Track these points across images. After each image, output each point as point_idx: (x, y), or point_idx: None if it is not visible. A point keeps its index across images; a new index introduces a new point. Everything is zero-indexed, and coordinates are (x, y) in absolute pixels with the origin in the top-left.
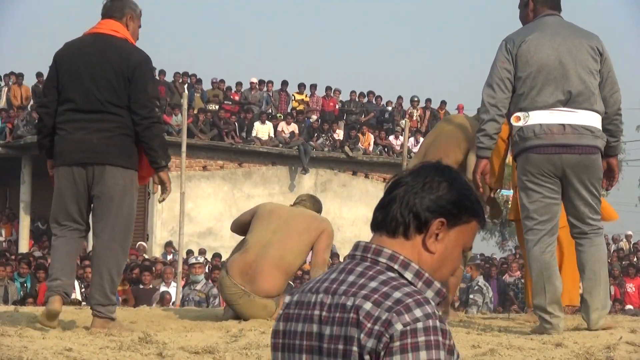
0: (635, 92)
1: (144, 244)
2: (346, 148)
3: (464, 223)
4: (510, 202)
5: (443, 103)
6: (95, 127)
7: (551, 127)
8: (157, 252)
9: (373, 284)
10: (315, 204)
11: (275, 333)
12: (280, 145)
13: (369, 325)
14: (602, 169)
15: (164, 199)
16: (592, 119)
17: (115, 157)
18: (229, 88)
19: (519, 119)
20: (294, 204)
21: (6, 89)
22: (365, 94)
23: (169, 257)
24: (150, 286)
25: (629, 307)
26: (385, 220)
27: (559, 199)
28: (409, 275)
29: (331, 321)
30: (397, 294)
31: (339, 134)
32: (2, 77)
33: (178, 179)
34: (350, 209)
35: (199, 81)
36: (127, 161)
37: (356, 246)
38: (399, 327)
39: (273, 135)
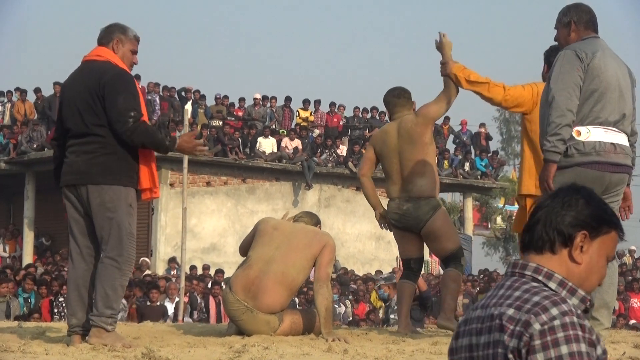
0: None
1: (147, 259)
2: (350, 164)
3: (604, 234)
4: (514, 217)
5: (447, 119)
6: (82, 149)
7: (606, 145)
8: (160, 267)
9: (517, 294)
10: (313, 218)
11: (449, 351)
12: (284, 161)
13: (511, 327)
14: None
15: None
16: (627, 140)
17: (97, 175)
18: (232, 104)
19: (579, 133)
20: (293, 222)
21: (9, 105)
22: (369, 109)
23: (173, 272)
24: (158, 303)
25: (633, 322)
26: (531, 240)
27: None
28: (552, 285)
29: (483, 331)
30: (535, 298)
31: (343, 150)
32: (5, 94)
33: (180, 195)
34: (354, 224)
35: (203, 97)
36: (111, 179)
37: (509, 264)
38: (537, 326)
39: (276, 150)
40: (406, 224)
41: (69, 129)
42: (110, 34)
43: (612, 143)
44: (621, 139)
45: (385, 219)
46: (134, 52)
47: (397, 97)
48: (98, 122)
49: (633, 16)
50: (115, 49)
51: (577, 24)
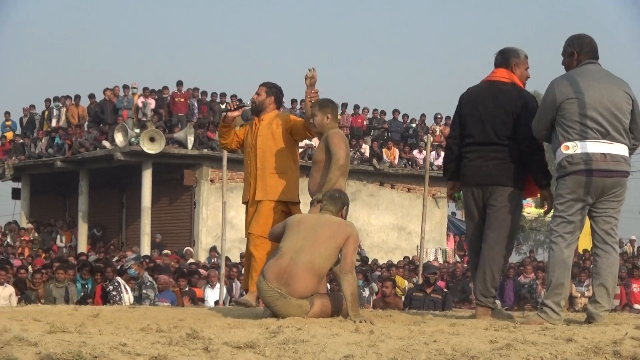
0: None
1: (190, 249)
2: (374, 161)
3: None
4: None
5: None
6: (491, 156)
7: (595, 156)
8: (202, 256)
9: None
10: (337, 205)
11: None
12: None
13: None
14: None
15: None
16: (624, 150)
17: (504, 179)
18: None
19: (568, 147)
20: (320, 209)
21: (64, 109)
22: (391, 112)
23: (213, 260)
24: (187, 289)
25: (635, 306)
26: None
27: (585, 217)
28: None
29: None
30: None
31: (366, 149)
32: (60, 99)
33: (220, 190)
34: (377, 216)
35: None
36: (513, 183)
37: None
38: None
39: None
40: None
41: (471, 135)
42: (508, 59)
43: (602, 153)
44: (613, 149)
45: None
46: (527, 68)
47: None
48: (508, 134)
49: (632, 16)
50: (515, 70)
51: (579, 54)
